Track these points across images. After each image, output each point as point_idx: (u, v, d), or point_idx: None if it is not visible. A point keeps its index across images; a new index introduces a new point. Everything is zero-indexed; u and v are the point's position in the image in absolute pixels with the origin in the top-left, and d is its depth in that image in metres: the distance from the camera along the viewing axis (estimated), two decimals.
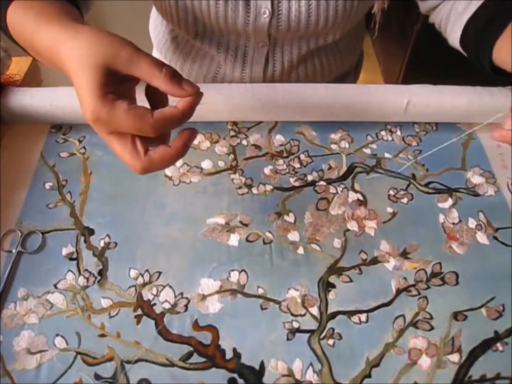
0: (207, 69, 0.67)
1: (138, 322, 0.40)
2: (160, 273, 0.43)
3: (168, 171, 0.50)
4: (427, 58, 1.34)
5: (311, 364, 0.38)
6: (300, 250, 0.44)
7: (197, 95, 0.34)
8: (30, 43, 0.40)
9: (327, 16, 0.57)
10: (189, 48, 0.67)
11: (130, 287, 0.42)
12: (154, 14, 0.75)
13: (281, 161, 0.52)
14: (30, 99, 0.52)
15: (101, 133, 0.34)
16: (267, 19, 0.57)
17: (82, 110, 0.33)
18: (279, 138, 0.54)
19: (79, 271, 0.43)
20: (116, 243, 0.45)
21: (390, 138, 0.54)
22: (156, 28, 0.74)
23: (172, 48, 0.69)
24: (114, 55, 0.32)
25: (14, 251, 0.43)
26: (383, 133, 0.55)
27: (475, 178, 0.50)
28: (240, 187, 0.49)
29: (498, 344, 0.39)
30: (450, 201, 0.48)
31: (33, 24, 0.39)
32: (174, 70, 0.33)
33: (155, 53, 0.76)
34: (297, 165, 0.51)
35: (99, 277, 0.42)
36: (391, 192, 0.49)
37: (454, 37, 0.57)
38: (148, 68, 0.32)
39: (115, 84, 0.33)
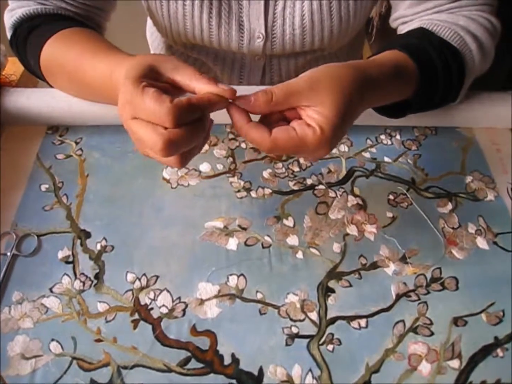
0: None
1: (135, 327, 0.39)
2: (157, 277, 0.42)
3: (166, 174, 0.50)
4: None
5: (310, 370, 0.37)
6: (299, 255, 0.44)
7: (226, 91, 0.35)
8: (73, 73, 0.46)
9: (322, 36, 0.57)
10: (185, 58, 0.66)
11: (127, 291, 0.41)
12: (150, 21, 0.74)
13: (280, 165, 0.51)
14: (27, 100, 0.52)
15: (126, 119, 0.34)
16: (261, 43, 0.57)
17: (118, 101, 0.35)
18: None
19: (75, 274, 0.42)
20: (113, 247, 0.44)
21: (389, 142, 0.54)
22: (152, 34, 0.73)
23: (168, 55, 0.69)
24: (160, 60, 0.36)
25: (9, 254, 0.43)
26: (382, 137, 0.55)
27: (475, 183, 0.50)
28: (239, 191, 0.49)
29: (498, 350, 0.38)
30: (449, 206, 0.48)
31: (83, 56, 0.45)
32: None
33: None
34: (296, 169, 0.51)
35: (95, 281, 0.42)
36: (391, 197, 0.49)
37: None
38: (191, 72, 0.36)
39: (154, 80, 0.35)
